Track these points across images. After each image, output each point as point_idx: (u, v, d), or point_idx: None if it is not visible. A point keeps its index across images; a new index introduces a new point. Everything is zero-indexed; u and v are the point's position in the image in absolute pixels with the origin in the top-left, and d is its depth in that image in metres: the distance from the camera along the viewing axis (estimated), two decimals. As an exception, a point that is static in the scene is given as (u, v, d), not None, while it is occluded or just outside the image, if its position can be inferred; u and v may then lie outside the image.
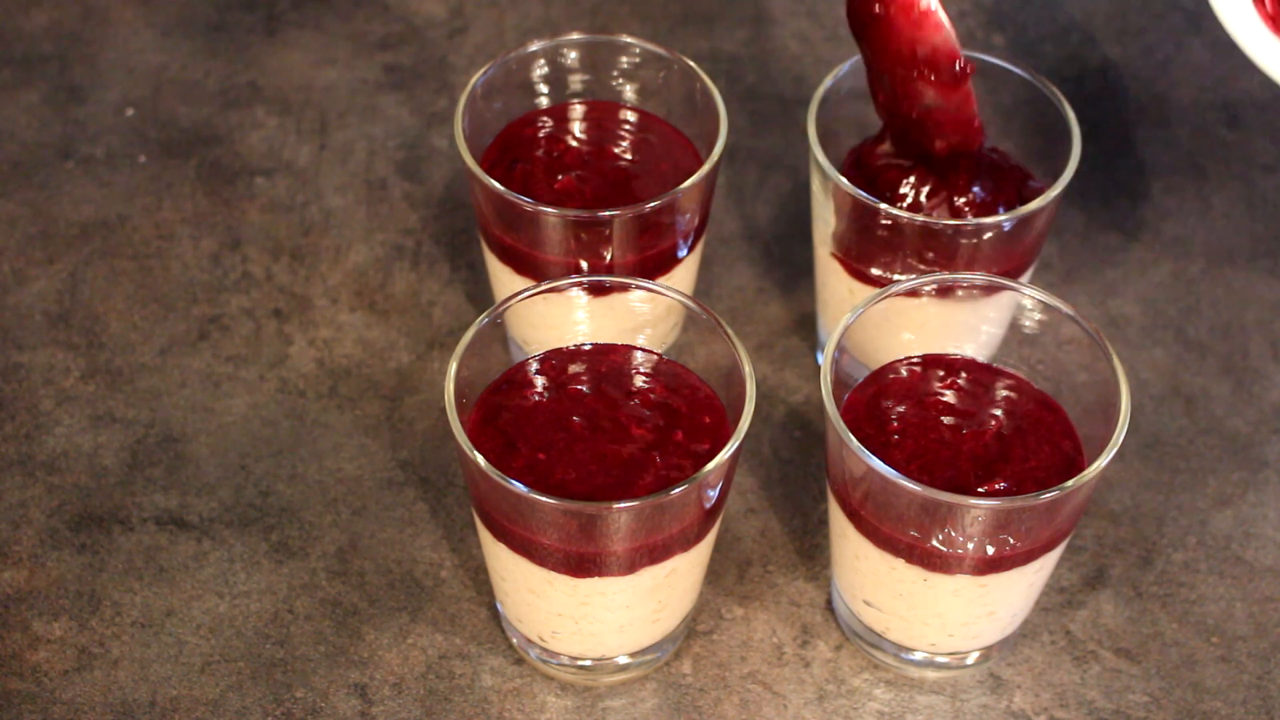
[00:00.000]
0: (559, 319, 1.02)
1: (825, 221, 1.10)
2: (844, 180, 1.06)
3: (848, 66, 1.12)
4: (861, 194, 1.06)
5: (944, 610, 1.00)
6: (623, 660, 1.03)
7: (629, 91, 1.15)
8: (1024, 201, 1.08)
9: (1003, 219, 1.05)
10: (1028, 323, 1.03)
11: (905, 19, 1.03)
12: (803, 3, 1.40)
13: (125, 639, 1.04)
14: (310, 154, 1.29)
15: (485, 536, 0.99)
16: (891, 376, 1.01)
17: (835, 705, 1.03)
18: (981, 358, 1.04)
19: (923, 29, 1.03)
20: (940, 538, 0.95)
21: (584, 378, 1.00)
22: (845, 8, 1.06)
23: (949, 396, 1.00)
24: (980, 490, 0.96)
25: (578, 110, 1.14)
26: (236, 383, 1.16)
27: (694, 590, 1.03)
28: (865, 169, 1.10)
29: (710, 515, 0.97)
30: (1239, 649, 1.06)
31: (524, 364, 1.01)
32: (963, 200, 1.07)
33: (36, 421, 1.14)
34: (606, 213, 1.04)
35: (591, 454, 0.96)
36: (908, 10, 1.03)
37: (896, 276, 1.07)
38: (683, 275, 1.12)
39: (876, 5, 1.04)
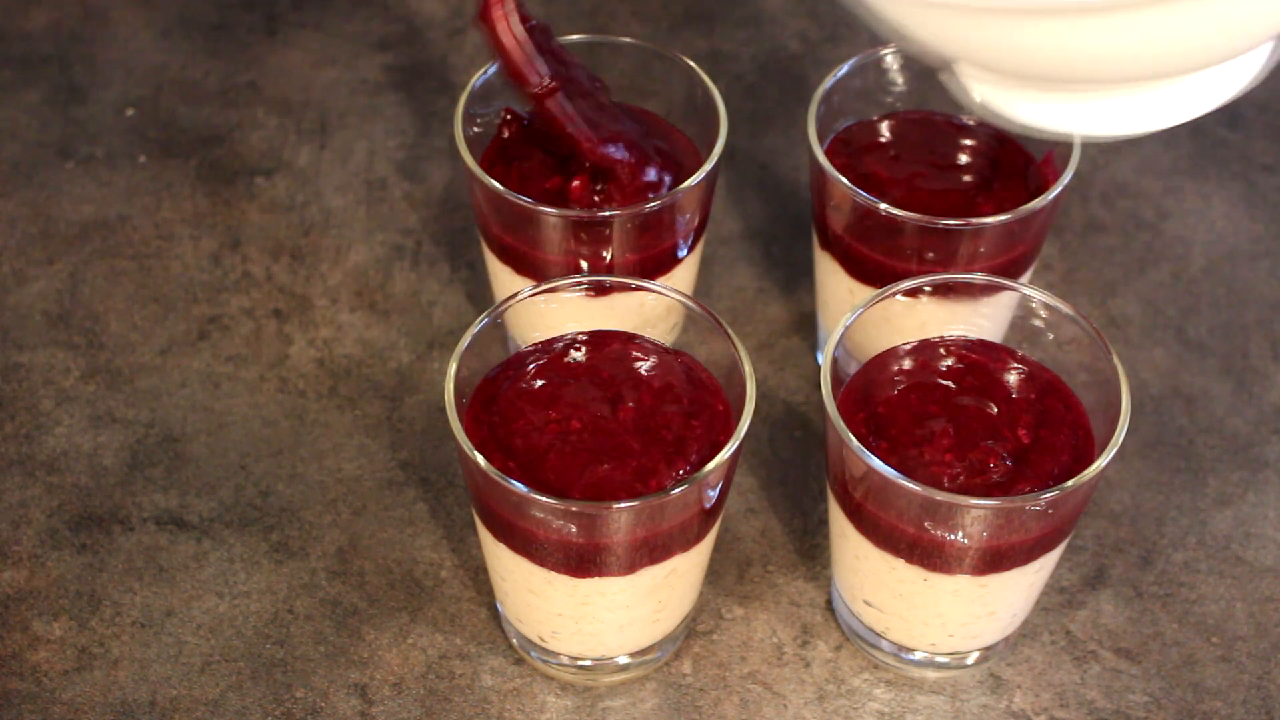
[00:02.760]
0: (559, 319, 1.02)
1: (825, 221, 1.10)
2: (844, 180, 1.06)
3: (848, 66, 1.12)
4: (861, 193, 1.06)
5: (944, 610, 1.00)
6: (623, 660, 1.03)
7: (629, 91, 1.15)
8: (1030, 190, 1.08)
9: (1003, 218, 1.05)
10: (1028, 322, 1.03)
11: (483, 20, 1.04)
12: (803, 3, 1.40)
13: (125, 639, 1.04)
14: (310, 154, 1.29)
15: (485, 536, 0.99)
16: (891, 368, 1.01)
17: (835, 705, 1.03)
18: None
19: (491, 36, 1.05)
20: (940, 537, 0.95)
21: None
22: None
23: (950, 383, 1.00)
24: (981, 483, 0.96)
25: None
26: (236, 383, 1.16)
27: (694, 590, 1.03)
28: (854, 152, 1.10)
29: (710, 515, 0.98)
30: (1239, 649, 1.06)
31: (520, 355, 1.01)
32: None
33: (36, 421, 1.14)
34: (606, 213, 1.04)
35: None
36: (483, 12, 1.04)
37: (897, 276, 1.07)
38: (683, 275, 1.12)
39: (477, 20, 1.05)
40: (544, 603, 0.99)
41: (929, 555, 0.97)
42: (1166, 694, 1.04)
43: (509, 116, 1.11)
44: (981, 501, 0.93)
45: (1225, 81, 0.86)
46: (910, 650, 1.03)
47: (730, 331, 0.99)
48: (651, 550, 0.96)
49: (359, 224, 1.25)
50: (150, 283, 1.21)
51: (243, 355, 1.18)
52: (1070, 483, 0.94)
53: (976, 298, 1.03)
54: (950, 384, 1.00)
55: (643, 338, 1.01)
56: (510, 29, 1.04)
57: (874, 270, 1.08)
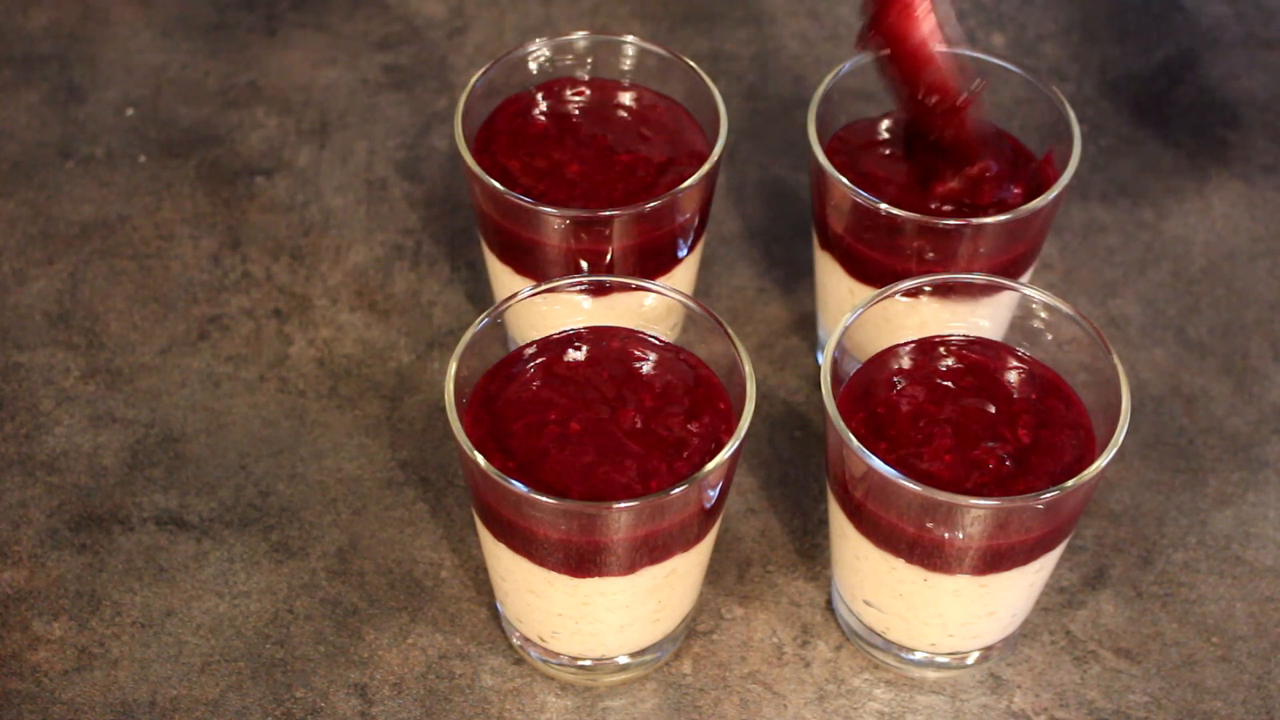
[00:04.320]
0: (559, 319, 1.02)
1: (825, 221, 1.10)
2: (844, 180, 1.06)
3: (848, 66, 1.12)
4: (861, 193, 1.06)
5: (944, 610, 1.00)
6: (623, 660, 1.03)
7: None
8: (1036, 188, 1.08)
9: (1002, 218, 1.05)
10: (1028, 323, 1.03)
11: (901, 51, 1.02)
12: (803, 3, 1.40)
13: (125, 639, 1.04)
14: (310, 154, 1.29)
15: (485, 537, 0.99)
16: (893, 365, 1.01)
17: (835, 705, 1.03)
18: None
19: (918, 61, 1.03)
20: (940, 537, 0.95)
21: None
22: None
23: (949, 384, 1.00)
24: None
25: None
26: (236, 383, 1.16)
27: (694, 590, 1.03)
28: (854, 151, 1.10)
29: (710, 515, 0.97)
30: (1239, 649, 1.06)
31: (520, 354, 1.01)
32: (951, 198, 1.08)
33: (36, 421, 1.14)
34: (606, 212, 1.04)
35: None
36: (902, 42, 1.02)
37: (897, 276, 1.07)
38: (683, 275, 1.12)
39: (873, 36, 1.03)
40: (544, 603, 0.99)
41: (929, 555, 0.97)
42: (1166, 694, 1.04)
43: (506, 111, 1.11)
44: (981, 501, 0.93)
45: None
46: (910, 650, 1.03)
47: (730, 331, 0.99)
48: (651, 550, 0.96)
49: (359, 224, 1.25)
50: (150, 283, 1.21)
51: (243, 355, 1.18)
52: (1070, 483, 0.94)
53: (976, 298, 1.03)
54: (950, 384, 1.00)
55: (643, 334, 1.01)
56: (935, 30, 1.00)
57: (874, 270, 1.08)
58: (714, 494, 0.96)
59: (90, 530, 1.09)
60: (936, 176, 1.06)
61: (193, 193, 1.27)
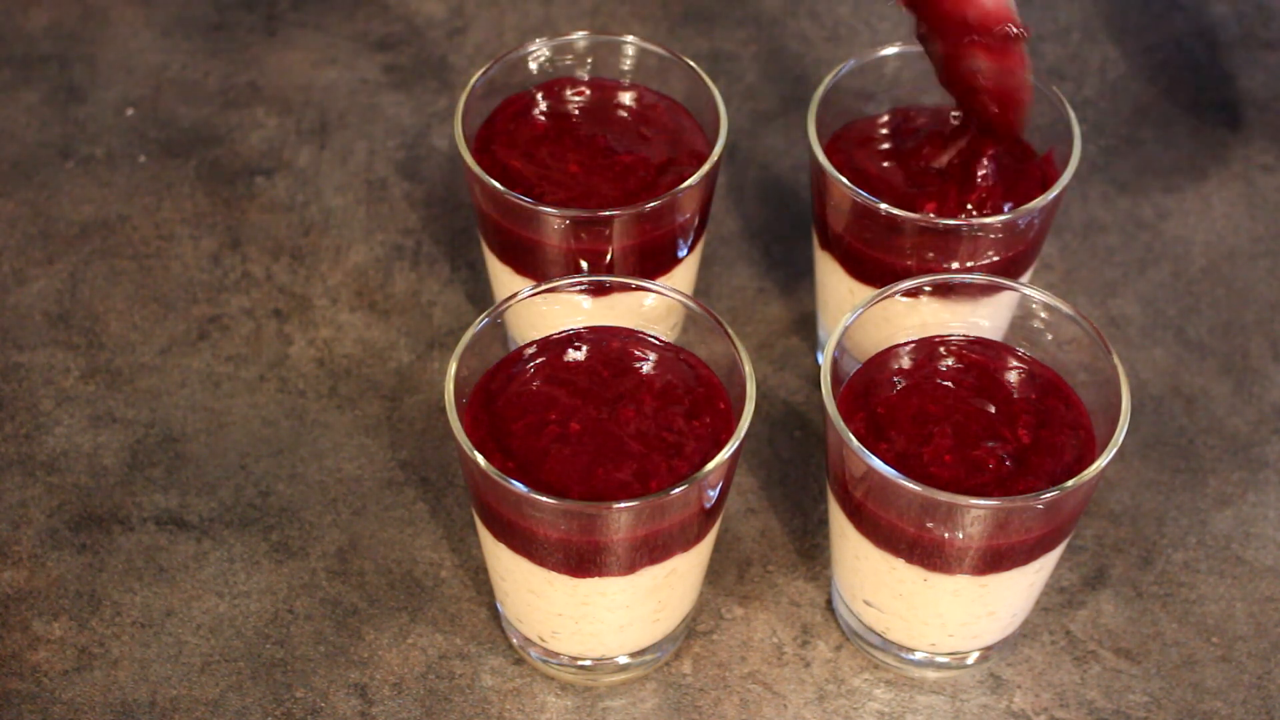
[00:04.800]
0: (559, 319, 1.02)
1: (825, 221, 1.10)
2: (844, 179, 1.06)
3: (848, 66, 1.12)
4: (861, 193, 1.06)
5: (944, 610, 1.00)
6: (623, 660, 1.03)
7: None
8: (1036, 188, 1.08)
9: (1002, 218, 1.05)
10: (1028, 322, 1.03)
11: None
12: (803, 3, 1.40)
13: (125, 639, 1.05)
14: (310, 154, 1.29)
15: (485, 537, 0.99)
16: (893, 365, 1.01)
17: (835, 705, 1.03)
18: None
19: None
20: (940, 537, 0.95)
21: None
22: None
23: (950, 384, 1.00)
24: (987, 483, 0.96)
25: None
26: (236, 383, 1.16)
27: (694, 590, 1.03)
28: (851, 152, 1.10)
29: (710, 515, 0.97)
30: (1239, 649, 1.06)
31: (520, 354, 1.01)
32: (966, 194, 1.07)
33: (36, 421, 1.14)
34: (606, 212, 1.04)
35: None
36: None
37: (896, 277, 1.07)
38: (683, 275, 1.12)
39: None
40: (544, 603, 0.99)
41: (929, 555, 0.97)
42: (1166, 694, 1.04)
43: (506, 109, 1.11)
44: (981, 501, 0.93)
45: None
46: (910, 650, 1.03)
47: (730, 331, 0.99)
48: (651, 550, 0.96)
49: (359, 224, 1.25)
50: (150, 283, 1.21)
51: (243, 355, 1.18)
52: (1070, 483, 0.94)
53: (976, 298, 1.03)
54: (950, 384, 1.00)
55: (644, 334, 1.01)
56: None
57: (874, 270, 1.08)
58: (714, 494, 0.96)
59: (90, 530, 1.09)
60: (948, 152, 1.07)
61: (193, 193, 1.27)
